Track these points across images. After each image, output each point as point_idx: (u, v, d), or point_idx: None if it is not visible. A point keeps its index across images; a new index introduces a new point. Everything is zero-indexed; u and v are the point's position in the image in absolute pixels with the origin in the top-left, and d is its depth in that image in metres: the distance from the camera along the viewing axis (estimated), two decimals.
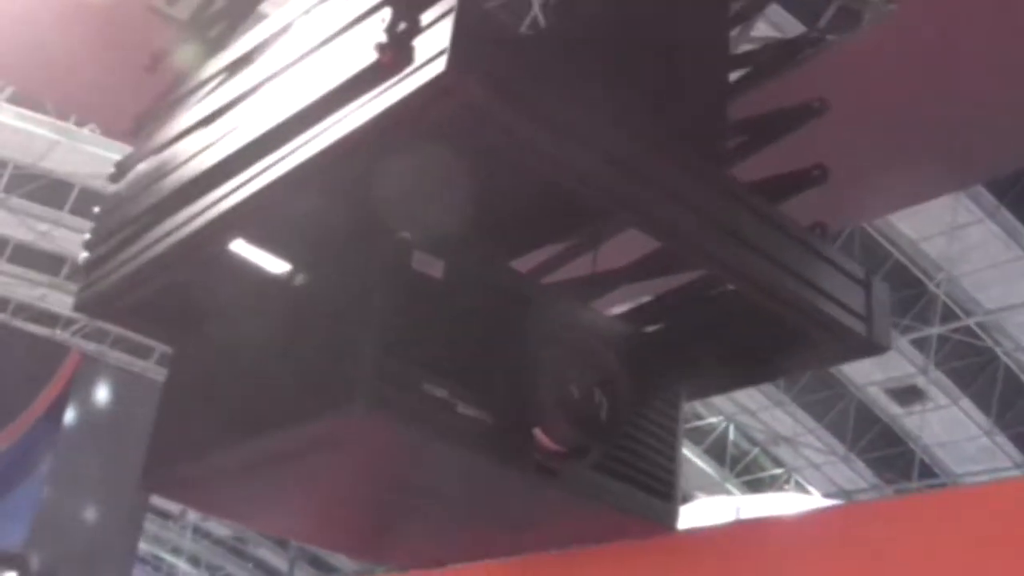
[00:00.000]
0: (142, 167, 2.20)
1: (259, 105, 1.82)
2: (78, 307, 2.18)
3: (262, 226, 1.87)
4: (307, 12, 1.88)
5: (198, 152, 1.91)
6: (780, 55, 2.48)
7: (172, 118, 2.21)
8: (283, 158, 1.65)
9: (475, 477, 1.73)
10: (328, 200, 1.73)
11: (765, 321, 1.88)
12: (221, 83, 2.09)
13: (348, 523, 2.13)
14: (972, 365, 15.85)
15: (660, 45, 1.97)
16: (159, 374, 13.97)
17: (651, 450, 1.87)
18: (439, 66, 1.43)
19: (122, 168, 2.31)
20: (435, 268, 1.66)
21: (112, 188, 2.31)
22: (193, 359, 2.10)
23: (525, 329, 1.74)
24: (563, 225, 2.04)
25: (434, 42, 1.46)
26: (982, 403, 16.04)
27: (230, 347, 1.98)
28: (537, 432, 1.67)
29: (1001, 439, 16.43)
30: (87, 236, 2.21)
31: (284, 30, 1.95)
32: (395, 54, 1.49)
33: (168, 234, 1.88)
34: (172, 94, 2.33)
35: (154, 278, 2.00)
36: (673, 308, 2.14)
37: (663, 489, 1.87)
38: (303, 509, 2.09)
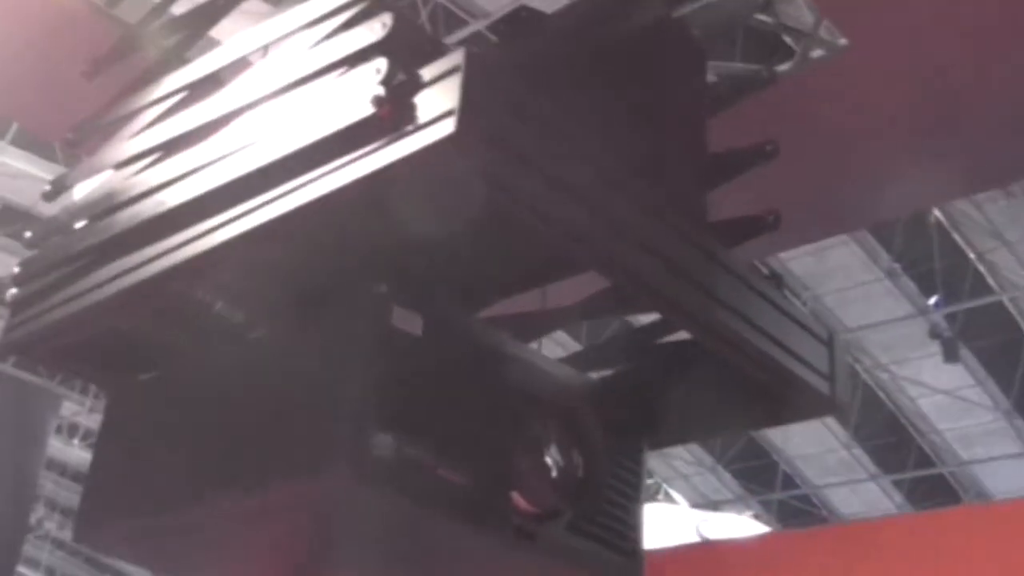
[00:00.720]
0: (84, 191, 2.08)
1: (232, 141, 1.75)
2: (5, 349, 2.09)
3: (228, 275, 1.78)
4: (285, 38, 1.81)
5: (159, 186, 1.81)
6: (732, 91, 2.52)
7: (120, 137, 2.09)
8: (264, 205, 1.59)
9: (452, 541, 1.70)
10: (302, 250, 1.68)
11: (731, 377, 1.90)
12: (182, 105, 1.99)
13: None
14: None
15: (641, 105, 1.99)
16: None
17: (618, 507, 1.87)
18: (447, 127, 1.41)
19: (58, 187, 2.19)
20: (414, 325, 1.62)
21: (47, 209, 2.20)
22: (141, 406, 1.99)
23: (502, 387, 1.73)
24: (530, 276, 2.03)
25: (440, 101, 1.43)
26: (841, 417, 16.72)
27: (187, 397, 1.89)
28: (515, 495, 1.65)
29: (858, 451, 17.34)
30: (17, 270, 2.08)
31: (258, 54, 1.88)
32: (393, 108, 1.46)
33: (120, 276, 1.78)
34: (118, 107, 2.21)
35: (100, 322, 1.90)
36: (636, 359, 2.16)
37: (628, 547, 1.87)
38: (262, 566, 2.02)
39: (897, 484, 17.86)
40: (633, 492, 1.92)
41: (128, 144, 2.04)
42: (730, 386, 1.95)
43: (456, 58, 1.45)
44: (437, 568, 1.82)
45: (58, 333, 1.94)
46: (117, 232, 1.85)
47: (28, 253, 2.16)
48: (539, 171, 1.53)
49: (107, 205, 1.93)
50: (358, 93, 1.51)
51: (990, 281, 14.36)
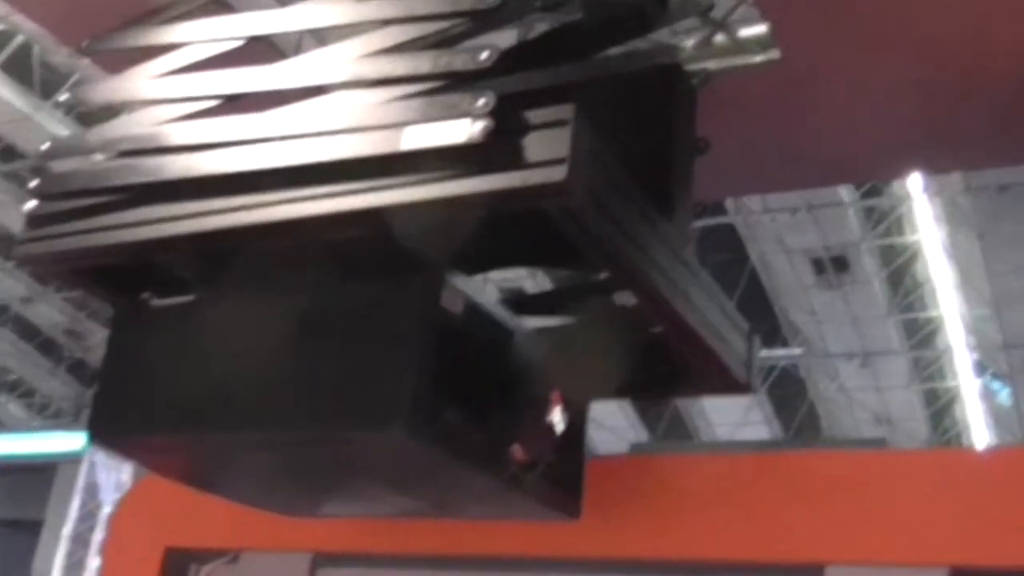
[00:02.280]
0: (121, 124, 2.15)
1: (312, 120, 1.90)
2: (23, 260, 2.19)
3: (297, 239, 1.94)
4: (376, 25, 1.96)
5: (225, 143, 1.94)
6: None
7: (157, 68, 2.17)
8: (353, 193, 1.79)
9: (462, 483, 2.02)
10: (369, 231, 1.87)
11: (666, 352, 2.21)
12: (239, 57, 2.09)
13: (319, 500, 2.33)
14: None
15: (646, 139, 2.30)
16: None
17: (570, 456, 2.19)
18: (558, 173, 1.65)
19: (79, 98, 2.30)
20: (456, 304, 1.89)
21: (72, 135, 2.23)
22: (161, 330, 2.13)
23: (512, 358, 2.02)
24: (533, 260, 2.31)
25: (550, 147, 1.66)
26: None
27: (221, 329, 2.05)
28: (515, 448, 1.96)
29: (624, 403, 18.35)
30: (36, 183, 2.16)
31: (333, 32, 2.03)
32: (495, 142, 1.69)
33: (177, 219, 1.94)
34: (151, 32, 2.25)
35: (142, 256, 2.04)
36: (586, 317, 2.45)
37: (574, 487, 2.20)
38: (273, 485, 2.26)
39: None
40: (579, 443, 2.22)
41: (173, 83, 2.14)
42: (663, 359, 2.25)
43: (566, 111, 1.70)
44: (448, 500, 2.14)
45: (88, 256, 2.08)
46: (170, 176, 2.00)
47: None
48: (607, 214, 1.82)
49: (152, 144, 2.06)
50: (459, 116, 1.72)
51: None
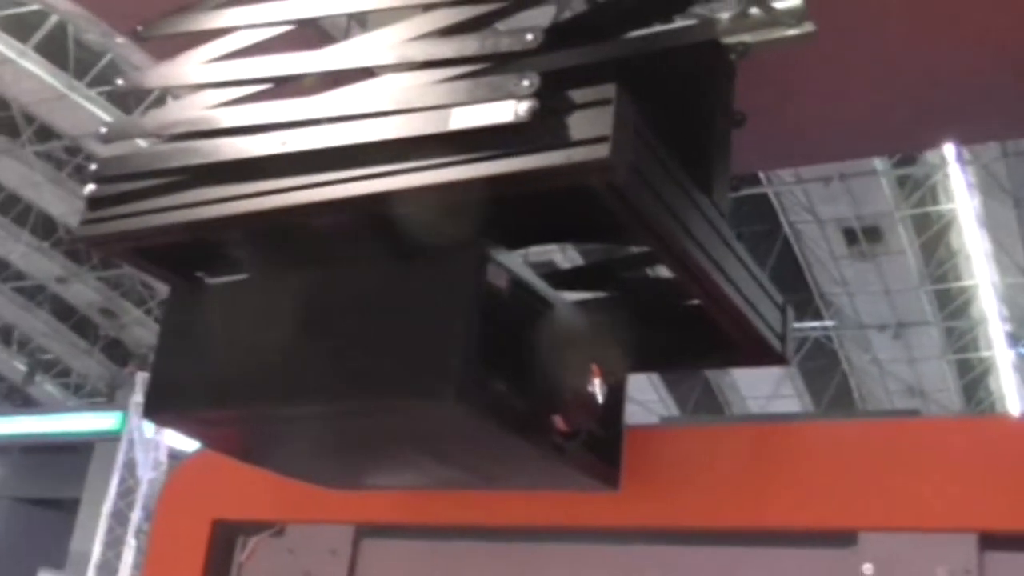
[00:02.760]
0: (174, 108, 2.21)
1: (359, 100, 1.96)
2: (88, 242, 2.23)
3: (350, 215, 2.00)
4: (421, 8, 2.01)
5: (280, 124, 2.01)
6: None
7: (211, 52, 2.22)
8: (403, 172, 1.85)
9: (506, 453, 2.07)
10: (418, 210, 1.93)
11: (707, 328, 2.25)
12: (289, 41, 2.14)
13: (365, 472, 2.39)
14: None
15: (684, 100, 2.33)
16: None
17: (610, 427, 2.24)
18: (601, 151, 1.70)
19: (133, 84, 2.31)
20: (501, 279, 1.95)
21: (128, 122, 2.30)
22: (214, 307, 2.21)
23: (553, 330, 2.07)
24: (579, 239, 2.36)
25: (593, 125, 1.72)
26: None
27: (270, 308, 2.13)
28: (556, 418, 2.01)
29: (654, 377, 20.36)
30: (95, 166, 2.21)
31: (376, 18, 2.09)
32: (540, 122, 1.74)
33: (234, 199, 2.01)
34: (201, 17, 2.30)
35: (200, 235, 2.10)
36: (624, 292, 2.50)
37: (614, 457, 2.25)
38: (322, 458, 2.33)
39: None
40: (619, 412, 2.27)
41: (223, 67, 2.21)
42: (700, 330, 2.29)
43: (608, 90, 1.75)
44: (492, 470, 2.19)
45: (148, 236, 2.14)
46: (225, 157, 2.07)
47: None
48: (650, 189, 1.87)
49: (206, 127, 2.13)
50: (504, 96, 1.77)
51: None
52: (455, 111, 1.83)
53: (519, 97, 1.76)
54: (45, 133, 20.60)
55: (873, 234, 17.91)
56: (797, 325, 18.10)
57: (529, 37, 1.84)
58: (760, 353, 2.29)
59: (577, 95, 1.77)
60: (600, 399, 2.05)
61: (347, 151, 1.93)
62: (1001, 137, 9.39)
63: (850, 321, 20.02)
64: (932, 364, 20.40)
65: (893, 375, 20.71)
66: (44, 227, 22.91)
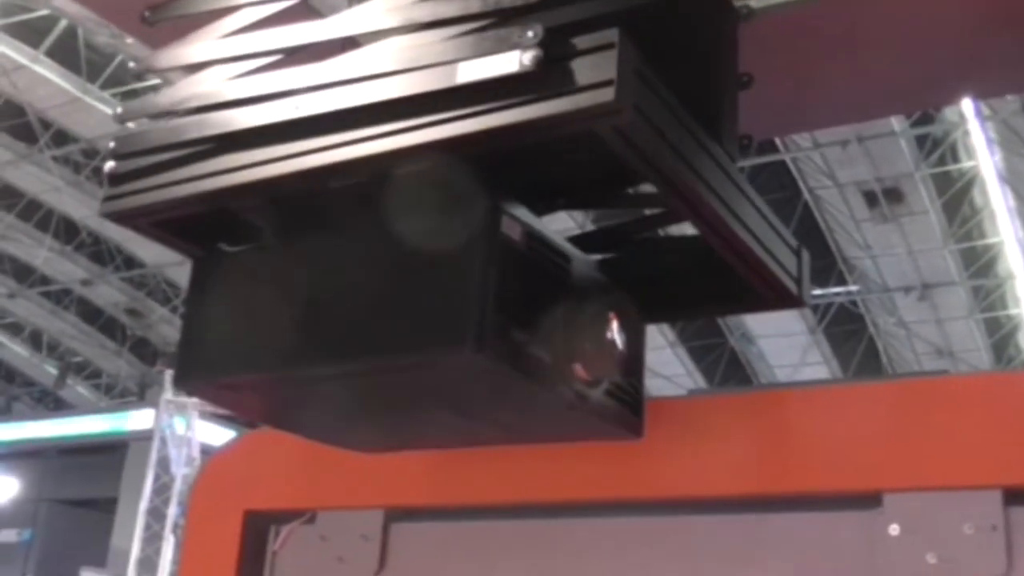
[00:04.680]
0: (187, 84, 2.27)
1: (365, 64, 2.02)
2: (108, 216, 2.26)
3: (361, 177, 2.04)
4: None
5: (288, 91, 2.07)
6: None
7: (216, 31, 2.29)
8: (413, 129, 1.89)
9: (529, 403, 2.10)
10: (430, 166, 1.98)
11: (721, 271, 2.26)
12: (291, 15, 2.21)
13: (389, 430, 2.42)
14: None
15: (691, 53, 2.32)
16: None
17: (631, 375, 2.25)
18: (607, 95, 1.72)
19: (146, 66, 2.36)
20: (515, 231, 1.97)
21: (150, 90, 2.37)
22: (236, 276, 2.27)
23: (570, 280, 2.10)
24: (590, 189, 2.38)
25: (598, 70, 1.74)
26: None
27: (288, 272, 2.19)
28: (577, 367, 2.03)
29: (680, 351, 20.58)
30: (113, 144, 2.26)
31: None
32: (545, 68, 1.76)
33: (251, 166, 2.07)
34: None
35: (218, 204, 2.15)
36: (639, 248, 2.51)
37: (636, 405, 2.27)
38: (343, 419, 2.36)
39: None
40: (640, 360, 2.29)
41: (232, 42, 2.27)
42: (713, 276, 2.30)
43: (611, 35, 1.76)
44: (516, 423, 2.22)
45: (169, 208, 2.19)
46: (241, 126, 2.11)
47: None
48: (656, 131, 1.87)
49: (220, 100, 2.18)
50: (509, 48, 1.80)
51: None
52: (461, 65, 1.87)
53: (524, 48, 1.79)
54: (62, 137, 20.77)
55: (894, 195, 17.79)
56: (820, 291, 18.11)
57: None
58: (776, 296, 2.30)
59: (581, 42, 1.79)
60: (620, 346, 2.07)
61: (358, 112, 1.96)
62: (1020, 90, 9.29)
63: (875, 285, 19.93)
64: (960, 324, 20.29)
65: (920, 337, 20.61)
66: (66, 231, 23.12)
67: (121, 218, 2.27)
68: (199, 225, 2.25)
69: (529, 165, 2.07)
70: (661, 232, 2.63)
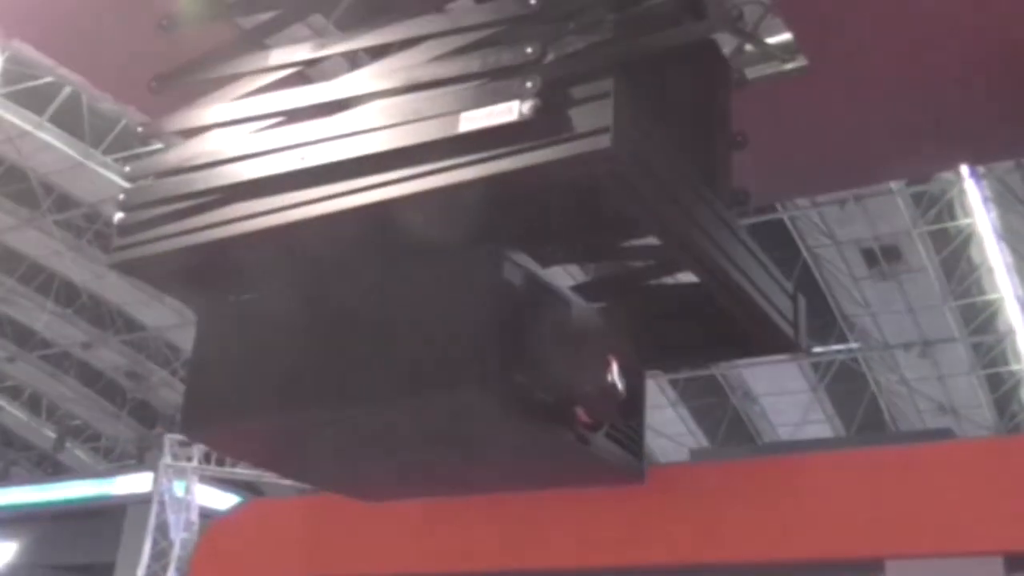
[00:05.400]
0: (194, 143, 2.32)
1: (369, 119, 2.07)
2: (118, 267, 2.33)
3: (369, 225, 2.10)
4: (420, 42, 2.12)
5: (294, 145, 2.12)
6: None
7: (221, 96, 2.34)
8: (417, 177, 1.94)
9: (532, 446, 2.11)
10: (434, 211, 2.03)
11: (719, 319, 2.29)
12: (293, 81, 2.27)
13: (393, 476, 2.42)
14: None
15: (688, 113, 2.38)
16: None
17: (631, 420, 2.27)
18: (603, 141, 1.78)
19: (153, 131, 2.42)
20: (517, 277, 2.02)
21: (153, 153, 2.37)
22: (240, 324, 2.29)
23: (572, 326, 2.11)
24: (591, 237, 2.41)
25: (594, 118, 1.80)
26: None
27: (293, 318, 2.21)
28: (579, 410, 2.05)
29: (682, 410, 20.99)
30: (123, 196, 2.32)
31: (389, 48, 2.18)
32: (544, 117, 1.84)
33: (258, 215, 2.10)
34: (206, 68, 2.42)
35: (225, 253, 2.19)
36: (638, 296, 2.54)
37: (636, 449, 2.28)
38: (351, 464, 2.36)
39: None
40: (641, 406, 2.31)
41: (237, 105, 2.32)
42: (710, 323, 2.33)
43: (607, 84, 1.83)
44: (519, 468, 2.23)
45: (176, 258, 2.24)
46: (249, 177, 2.16)
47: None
48: (653, 176, 1.94)
49: (225, 155, 2.22)
50: (509, 99, 1.87)
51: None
52: (463, 115, 1.93)
53: (523, 98, 1.85)
54: (64, 202, 20.87)
55: (892, 253, 17.84)
56: (821, 348, 18.02)
57: (529, 50, 1.93)
58: (773, 341, 2.33)
59: (577, 91, 1.85)
60: (620, 390, 2.08)
61: (364, 161, 2.02)
62: (1009, 156, 9.37)
63: (875, 342, 19.89)
64: (962, 380, 20.20)
65: (923, 394, 20.51)
66: (67, 294, 23.12)
67: (130, 268, 2.32)
68: (205, 275, 2.31)
69: (531, 216, 2.11)
70: (660, 281, 2.68)
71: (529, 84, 1.85)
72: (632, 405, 2.18)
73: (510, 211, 2.00)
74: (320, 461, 2.37)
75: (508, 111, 1.86)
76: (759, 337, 2.34)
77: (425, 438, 2.15)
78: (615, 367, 2.08)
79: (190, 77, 2.51)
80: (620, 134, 1.78)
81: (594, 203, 2.00)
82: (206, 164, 2.27)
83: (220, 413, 2.24)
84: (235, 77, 2.40)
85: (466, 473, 2.30)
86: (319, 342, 2.14)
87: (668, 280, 2.59)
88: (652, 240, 2.18)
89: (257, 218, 2.12)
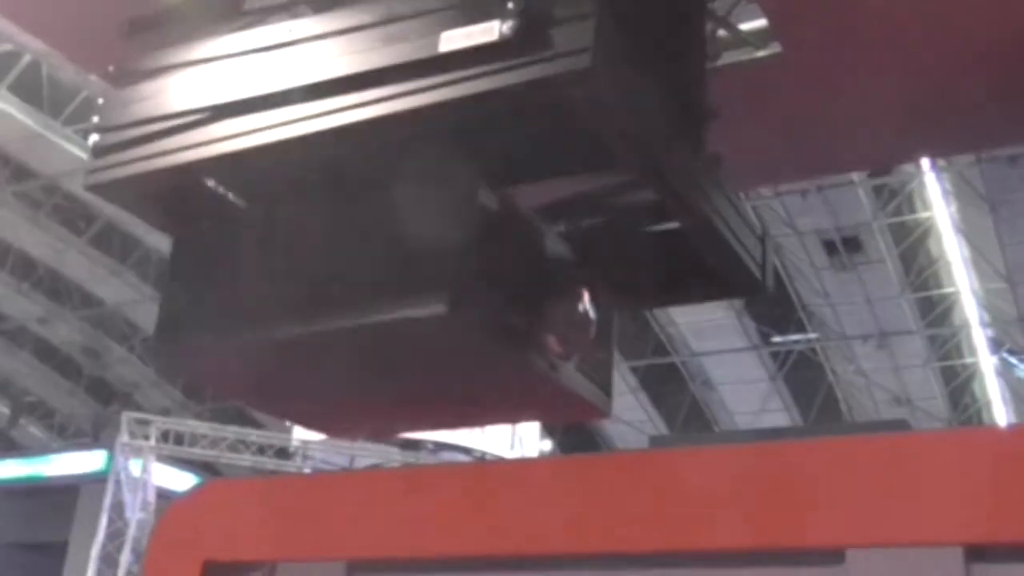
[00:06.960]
0: (169, 71, 2.28)
1: (348, 45, 2.05)
2: (93, 190, 2.29)
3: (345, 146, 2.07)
4: None
5: (268, 65, 2.11)
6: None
7: (208, 29, 2.31)
8: (398, 96, 1.93)
9: (501, 373, 2.11)
10: (412, 133, 2.01)
11: (689, 257, 2.29)
12: (272, 17, 2.25)
13: (363, 405, 2.40)
14: None
15: (664, 42, 2.36)
16: None
17: (602, 353, 2.27)
18: (583, 61, 1.77)
19: (123, 72, 2.35)
20: (492, 202, 2.02)
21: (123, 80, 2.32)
22: (212, 247, 2.27)
23: (544, 255, 2.11)
24: (564, 167, 2.39)
25: (575, 38, 1.79)
26: None
27: (266, 241, 2.20)
28: (551, 339, 2.05)
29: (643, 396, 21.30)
30: (98, 119, 2.28)
31: None
32: (524, 37, 1.83)
33: (234, 136, 2.09)
34: (177, 47, 2.35)
35: (198, 175, 2.18)
36: (613, 234, 2.53)
37: (606, 384, 2.29)
38: (319, 390, 2.33)
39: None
40: (610, 341, 2.31)
41: (216, 41, 2.28)
42: (681, 262, 2.33)
43: (587, 4, 1.83)
44: (487, 396, 2.22)
45: (151, 179, 2.21)
46: (222, 102, 2.14)
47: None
48: (631, 100, 1.93)
49: (203, 80, 2.19)
50: (489, 18, 1.86)
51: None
52: (443, 35, 1.93)
53: (503, 17, 1.85)
54: (21, 173, 20.55)
55: (852, 244, 18.02)
56: (780, 339, 18.16)
57: None
58: (740, 281, 2.34)
59: (558, 11, 1.84)
60: (592, 319, 2.08)
61: (343, 81, 2.00)
62: (973, 150, 9.49)
63: (833, 332, 20.10)
64: (917, 372, 20.49)
65: (879, 385, 20.78)
66: (24, 268, 22.81)
67: (104, 190, 2.27)
68: (180, 201, 2.28)
69: (507, 147, 2.09)
70: (630, 223, 2.66)
71: (510, 4, 1.85)
72: (602, 341, 2.19)
73: (488, 140, 1.99)
74: (288, 388, 2.35)
75: (489, 31, 1.86)
76: (727, 277, 2.34)
77: (395, 362, 2.14)
78: (587, 298, 2.09)
79: (148, 66, 2.45)
80: (599, 54, 1.78)
81: (571, 132, 1.98)
82: (183, 87, 2.24)
83: (191, 335, 2.24)
84: (200, 62, 2.34)
85: (434, 402, 2.29)
86: (292, 262, 2.14)
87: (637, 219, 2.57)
88: (626, 178, 2.16)
89: (232, 139, 2.10)
